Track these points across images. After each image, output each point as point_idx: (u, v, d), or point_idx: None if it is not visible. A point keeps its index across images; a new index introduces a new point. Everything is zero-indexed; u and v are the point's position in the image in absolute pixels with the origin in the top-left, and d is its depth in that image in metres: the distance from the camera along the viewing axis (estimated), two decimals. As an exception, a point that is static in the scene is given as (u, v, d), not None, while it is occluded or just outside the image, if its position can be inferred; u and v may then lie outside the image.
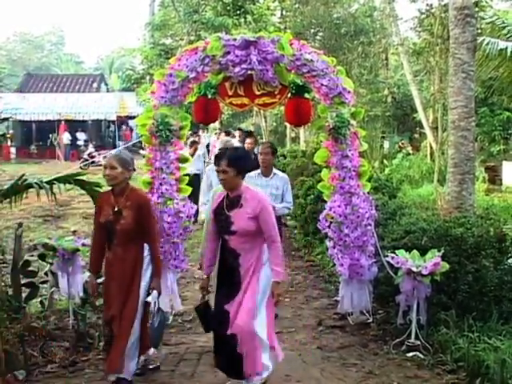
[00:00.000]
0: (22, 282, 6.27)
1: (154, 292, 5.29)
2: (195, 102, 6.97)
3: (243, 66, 6.50)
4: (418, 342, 5.96)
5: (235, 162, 4.96)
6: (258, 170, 7.45)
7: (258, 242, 4.98)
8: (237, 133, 16.23)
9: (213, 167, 7.43)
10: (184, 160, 6.98)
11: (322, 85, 6.63)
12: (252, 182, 6.52)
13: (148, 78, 25.17)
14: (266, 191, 6.64)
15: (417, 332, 5.99)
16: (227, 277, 5.06)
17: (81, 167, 26.66)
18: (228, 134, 17.34)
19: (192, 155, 13.55)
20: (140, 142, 26.36)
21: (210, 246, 5.29)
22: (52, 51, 77.73)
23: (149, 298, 5.26)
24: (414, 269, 5.85)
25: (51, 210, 15.76)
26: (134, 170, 5.33)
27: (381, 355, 6.03)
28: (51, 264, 6.47)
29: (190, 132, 19.83)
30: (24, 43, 73.93)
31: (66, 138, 36.81)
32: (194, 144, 14.50)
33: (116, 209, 5.17)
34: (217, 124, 25.07)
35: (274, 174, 7.49)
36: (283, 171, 9.20)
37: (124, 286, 5.17)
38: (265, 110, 21.64)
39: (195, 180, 12.63)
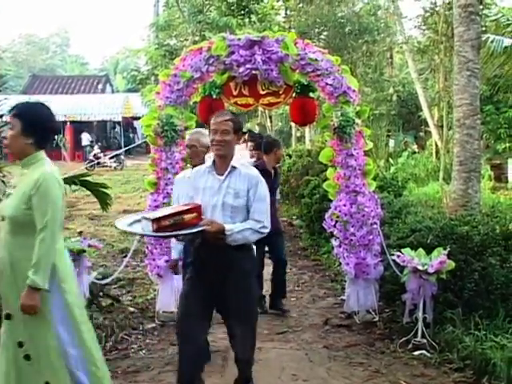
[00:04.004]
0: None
1: None
2: (200, 102, 6.99)
3: (248, 65, 6.52)
4: (425, 341, 5.95)
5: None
6: (209, 162, 4.61)
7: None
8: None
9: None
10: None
11: (327, 84, 6.63)
12: (199, 182, 4.55)
13: (153, 78, 25.13)
14: (217, 199, 4.43)
15: (423, 330, 5.98)
16: None
17: (87, 168, 26.74)
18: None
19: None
20: (145, 143, 26.43)
21: None
22: (57, 53, 77.87)
23: None
24: (420, 267, 5.84)
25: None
26: None
27: (387, 354, 6.02)
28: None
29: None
30: (29, 45, 74.07)
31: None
32: None
33: None
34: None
35: (234, 168, 4.49)
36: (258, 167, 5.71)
37: None
38: (270, 110, 21.69)
39: None
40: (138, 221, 4.26)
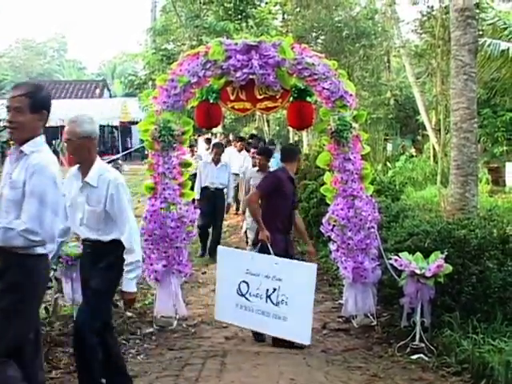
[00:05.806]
0: (27, 288, 6.27)
1: None
2: (197, 107, 7.00)
3: (245, 70, 6.53)
4: (423, 345, 5.95)
5: None
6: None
7: None
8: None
9: None
10: (186, 165, 7.00)
11: (324, 88, 6.64)
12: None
13: (150, 83, 25.17)
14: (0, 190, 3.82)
15: (421, 334, 5.98)
16: None
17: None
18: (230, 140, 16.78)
19: (215, 163, 10.85)
20: (143, 148, 26.40)
21: None
22: (54, 57, 77.75)
23: None
24: (418, 271, 5.84)
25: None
26: None
27: (385, 358, 6.02)
28: (55, 270, 6.47)
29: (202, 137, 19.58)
30: (26, 50, 73.97)
31: None
32: (218, 148, 11.24)
33: None
34: (219, 129, 25.08)
35: (21, 154, 3.77)
36: None
37: None
38: (267, 114, 21.69)
39: (218, 197, 10.85)
40: None
